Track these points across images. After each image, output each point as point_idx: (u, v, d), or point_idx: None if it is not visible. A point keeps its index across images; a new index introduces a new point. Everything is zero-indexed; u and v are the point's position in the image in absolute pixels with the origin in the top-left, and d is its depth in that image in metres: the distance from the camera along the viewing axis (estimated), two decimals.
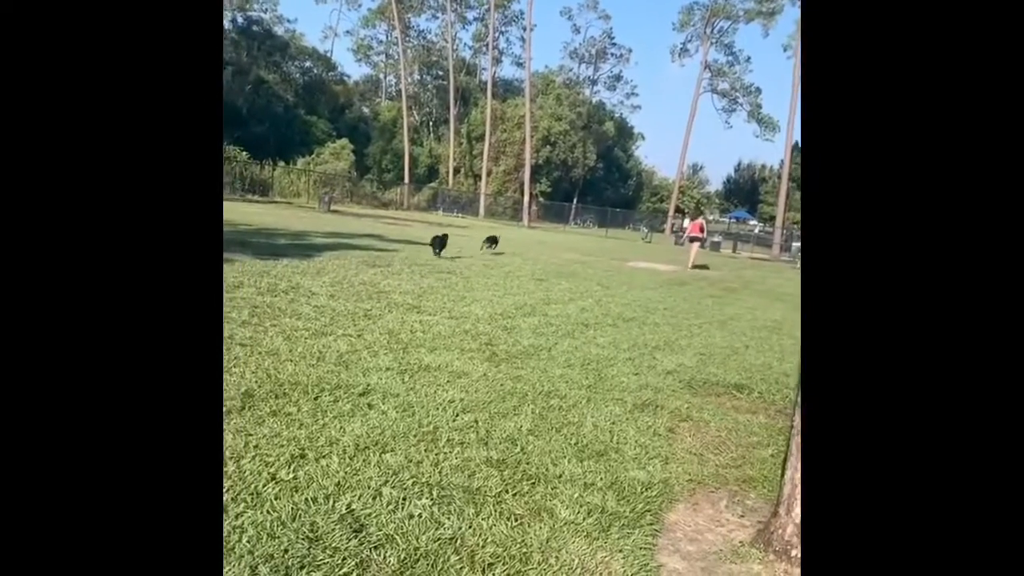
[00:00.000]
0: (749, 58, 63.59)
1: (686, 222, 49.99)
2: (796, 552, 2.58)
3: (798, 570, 2.54)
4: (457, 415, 3.79)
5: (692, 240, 20.00)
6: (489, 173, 50.48)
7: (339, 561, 2.24)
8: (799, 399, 2.66)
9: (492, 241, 16.89)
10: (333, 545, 2.32)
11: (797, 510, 2.61)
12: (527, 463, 3.23)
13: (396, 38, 56.46)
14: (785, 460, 2.75)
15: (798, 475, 2.62)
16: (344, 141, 49.97)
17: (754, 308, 10.94)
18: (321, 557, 2.25)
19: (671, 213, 52.96)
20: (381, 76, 67.14)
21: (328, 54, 63.41)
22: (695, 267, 18.83)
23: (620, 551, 2.54)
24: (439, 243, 13.54)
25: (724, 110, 56.97)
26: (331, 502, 2.61)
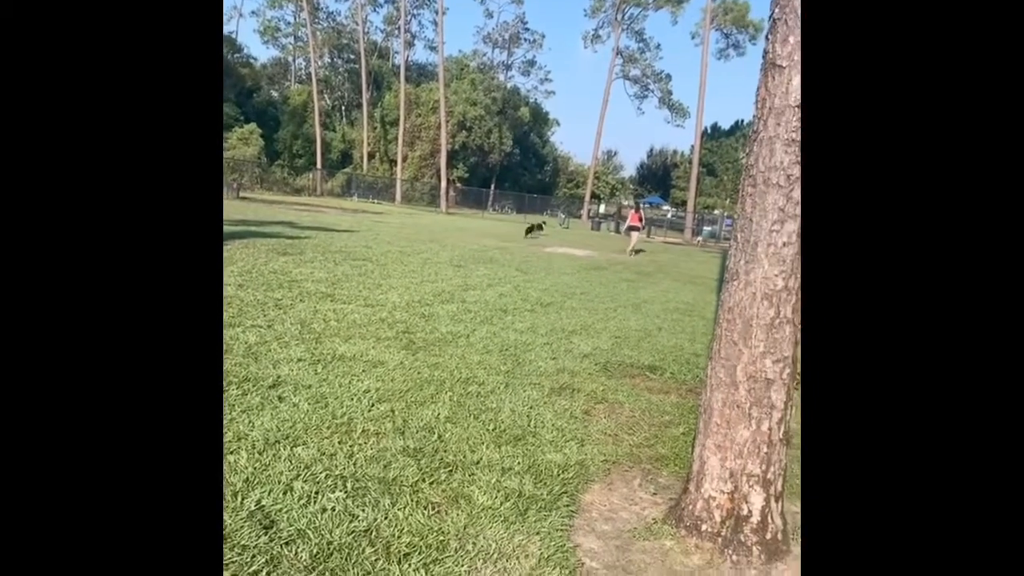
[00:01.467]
0: (659, 45, 64.69)
1: (602, 207, 51.26)
2: (706, 527, 2.67)
3: (708, 544, 2.63)
4: (373, 405, 3.73)
5: (631, 230, 21.38)
6: (405, 158, 49.73)
7: (248, 559, 2.17)
8: (709, 378, 2.74)
9: (537, 228, 23.40)
10: (242, 543, 2.24)
11: (706, 486, 2.70)
12: (444, 451, 3.21)
13: (305, 19, 54.69)
14: (695, 438, 2.83)
15: (706, 452, 2.71)
16: (252, 126, 48.17)
17: (667, 291, 11.24)
18: (229, 556, 2.16)
19: (587, 199, 53.61)
20: (290, 59, 64.82)
21: (233, 35, 60.70)
22: (634, 251, 20.43)
23: (537, 534, 2.57)
24: (538, 227, 23.26)
25: (636, 96, 57.69)
26: (239, 499, 2.52)
